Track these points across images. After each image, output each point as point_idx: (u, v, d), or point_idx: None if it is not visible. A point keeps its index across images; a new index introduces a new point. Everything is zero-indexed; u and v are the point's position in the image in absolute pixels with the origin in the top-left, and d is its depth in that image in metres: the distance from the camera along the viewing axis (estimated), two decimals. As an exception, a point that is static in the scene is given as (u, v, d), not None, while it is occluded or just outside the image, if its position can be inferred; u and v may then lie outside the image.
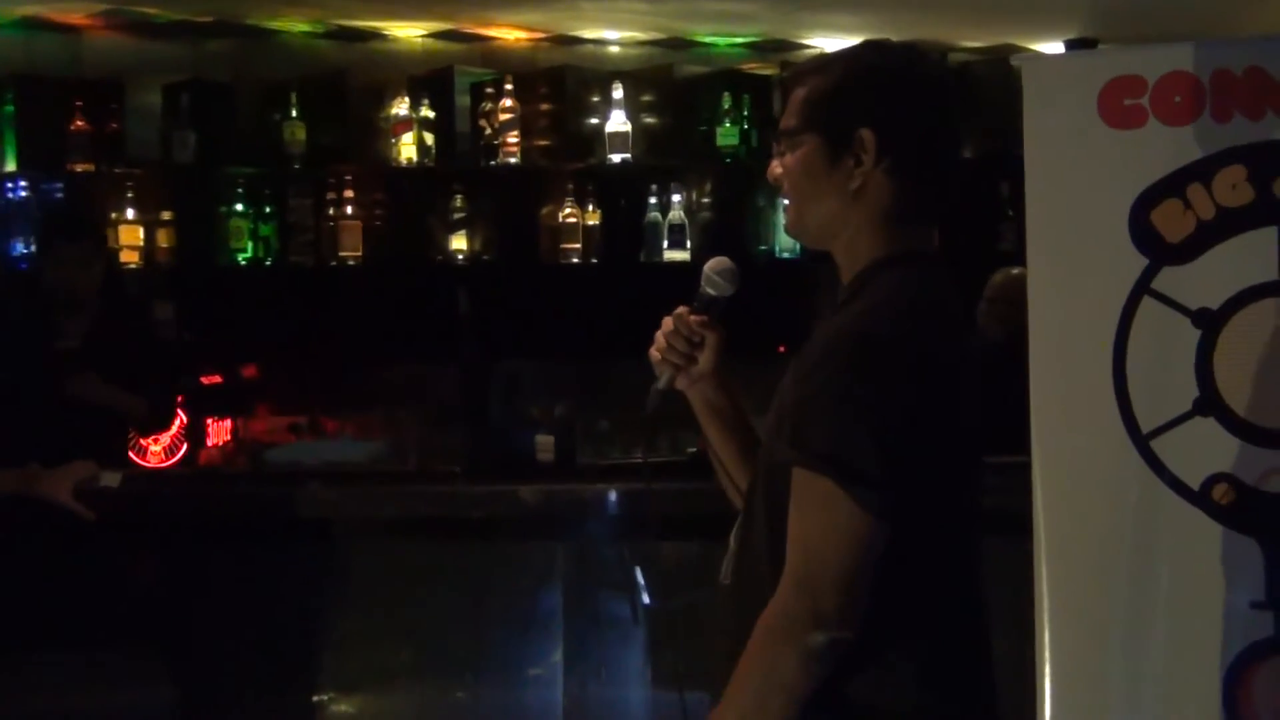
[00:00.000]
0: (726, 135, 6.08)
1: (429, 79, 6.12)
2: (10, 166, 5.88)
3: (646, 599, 4.11)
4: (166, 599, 4.16)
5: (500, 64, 6.26)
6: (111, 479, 4.09)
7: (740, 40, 6.47)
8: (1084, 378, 2.94)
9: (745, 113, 6.08)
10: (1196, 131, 2.86)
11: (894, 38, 2.32)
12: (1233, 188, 2.85)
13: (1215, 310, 2.86)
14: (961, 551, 2.19)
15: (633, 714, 4.22)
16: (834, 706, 2.05)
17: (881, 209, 2.17)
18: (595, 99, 6.12)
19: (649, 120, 6.19)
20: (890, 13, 5.95)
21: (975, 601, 2.21)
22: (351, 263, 5.95)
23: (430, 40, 6.33)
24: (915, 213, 2.19)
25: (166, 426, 5.25)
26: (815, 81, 2.20)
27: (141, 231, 5.88)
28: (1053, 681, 2.96)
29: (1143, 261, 2.91)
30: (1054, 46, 6.19)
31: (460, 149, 6.08)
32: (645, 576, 4.12)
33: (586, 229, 6.03)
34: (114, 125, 5.91)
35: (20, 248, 5.81)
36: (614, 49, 6.46)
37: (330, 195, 5.96)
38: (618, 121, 6.03)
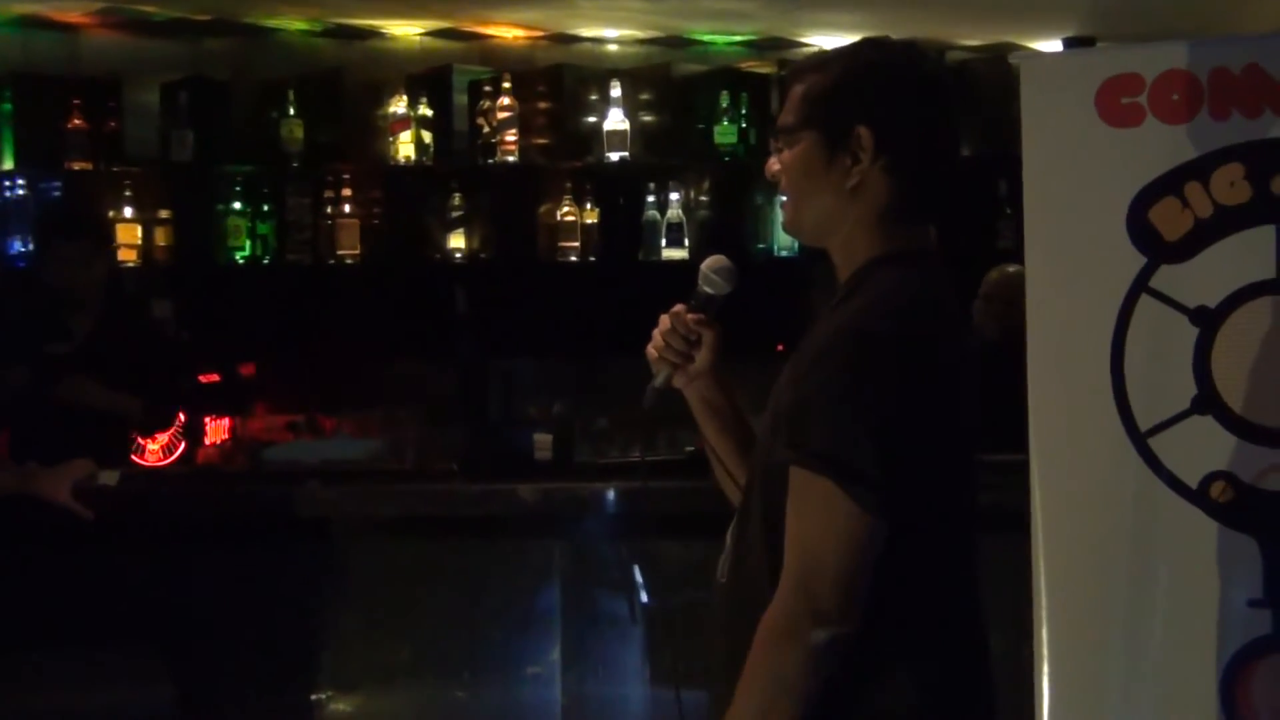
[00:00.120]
0: (724, 134, 6.08)
1: (427, 77, 6.12)
2: (8, 165, 5.88)
3: (645, 597, 4.11)
4: (165, 597, 4.16)
5: (498, 62, 6.26)
6: (109, 478, 4.09)
7: (738, 39, 6.47)
8: (1082, 376, 2.94)
9: (743, 111, 6.09)
10: (1194, 130, 2.86)
11: (892, 36, 2.31)
12: (1230, 186, 2.85)
13: (1213, 308, 2.86)
14: (959, 549, 2.19)
15: (631, 712, 4.22)
16: (830, 706, 2.05)
17: (879, 207, 2.17)
18: (593, 97, 6.12)
19: (647, 119, 6.19)
20: (889, 11, 5.95)
21: (973, 599, 2.21)
22: (349, 261, 5.94)
23: (428, 38, 6.33)
24: (913, 211, 2.19)
25: (168, 426, 5.25)
26: (814, 78, 2.20)
27: (139, 230, 5.88)
28: (1051, 679, 2.96)
29: (1141, 260, 2.91)
30: (1052, 45, 6.19)
31: (458, 147, 6.08)
32: (643, 575, 4.12)
33: (584, 227, 6.03)
34: (112, 124, 5.91)
35: (18, 246, 5.81)
36: (612, 47, 6.46)
37: (328, 194, 5.96)
38: (616, 120, 6.03)
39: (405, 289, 6.02)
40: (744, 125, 6.08)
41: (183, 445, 5.46)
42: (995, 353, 4.43)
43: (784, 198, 2.25)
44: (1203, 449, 2.86)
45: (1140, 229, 2.90)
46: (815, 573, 2.02)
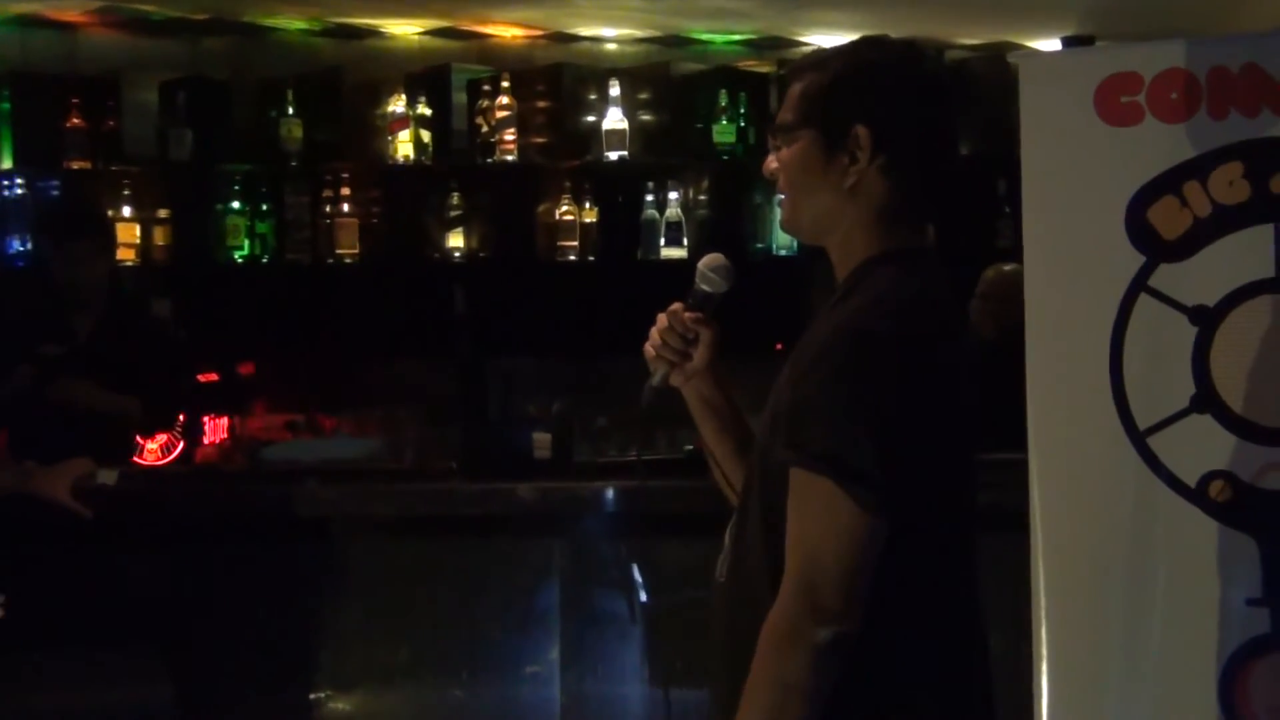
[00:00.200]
0: (723, 133, 6.08)
1: (426, 76, 6.11)
2: (6, 164, 5.88)
3: (644, 596, 4.12)
4: (164, 597, 4.16)
5: (497, 61, 6.26)
6: (108, 476, 4.09)
7: (737, 37, 6.47)
8: (1081, 375, 2.94)
9: (742, 110, 6.09)
10: (1192, 128, 2.86)
11: (891, 34, 2.31)
12: (1229, 185, 2.85)
13: (1212, 307, 2.86)
14: (958, 548, 2.19)
15: (630, 711, 4.22)
16: (831, 705, 2.04)
17: (877, 205, 2.16)
18: (592, 96, 6.12)
19: (646, 118, 6.19)
20: (887, 9, 5.95)
21: (972, 598, 2.21)
22: (348, 260, 5.94)
23: (427, 38, 6.33)
24: (911, 209, 2.18)
25: (170, 424, 5.25)
26: (812, 77, 2.20)
27: (138, 229, 5.88)
28: (1050, 678, 2.96)
29: (1139, 259, 2.90)
30: (1051, 43, 6.19)
31: (457, 146, 6.08)
32: (642, 574, 4.12)
33: (583, 226, 6.03)
34: (110, 123, 5.91)
35: (17, 245, 5.81)
36: (611, 46, 6.46)
37: (327, 193, 5.96)
38: (614, 119, 6.03)
39: (404, 288, 6.02)
40: (743, 124, 6.08)
41: (181, 444, 5.46)
42: (993, 352, 4.43)
43: (782, 196, 2.25)
44: (1201, 448, 2.86)
45: (1139, 228, 2.90)
46: (817, 573, 2.01)
